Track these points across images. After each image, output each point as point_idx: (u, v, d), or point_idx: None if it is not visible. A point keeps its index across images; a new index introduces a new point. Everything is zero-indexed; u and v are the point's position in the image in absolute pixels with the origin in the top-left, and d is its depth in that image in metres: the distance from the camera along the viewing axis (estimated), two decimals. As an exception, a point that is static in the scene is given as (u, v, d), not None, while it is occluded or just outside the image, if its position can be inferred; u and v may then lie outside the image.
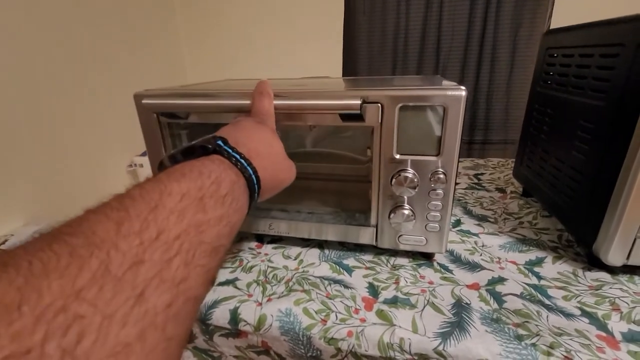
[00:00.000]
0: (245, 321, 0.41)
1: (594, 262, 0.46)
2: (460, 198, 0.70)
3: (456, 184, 0.78)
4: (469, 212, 0.64)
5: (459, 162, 0.44)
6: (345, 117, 0.43)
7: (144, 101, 0.46)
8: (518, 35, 1.97)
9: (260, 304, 0.43)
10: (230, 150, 0.29)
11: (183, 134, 0.55)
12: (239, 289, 0.46)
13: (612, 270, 0.45)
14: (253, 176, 0.29)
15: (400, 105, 0.42)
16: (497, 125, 2.03)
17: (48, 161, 0.96)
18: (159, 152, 0.53)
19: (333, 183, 0.73)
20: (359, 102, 0.39)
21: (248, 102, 0.42)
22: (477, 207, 0.66)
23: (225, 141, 0.30)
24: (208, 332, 0.43)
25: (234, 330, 0.42)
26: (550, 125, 0.57)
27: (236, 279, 0.48)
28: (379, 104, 0.42)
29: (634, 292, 0.41)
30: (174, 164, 0.26)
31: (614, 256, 0.42)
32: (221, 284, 0.47)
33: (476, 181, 0.78)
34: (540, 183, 0.59)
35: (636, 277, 0.44)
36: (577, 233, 0.51)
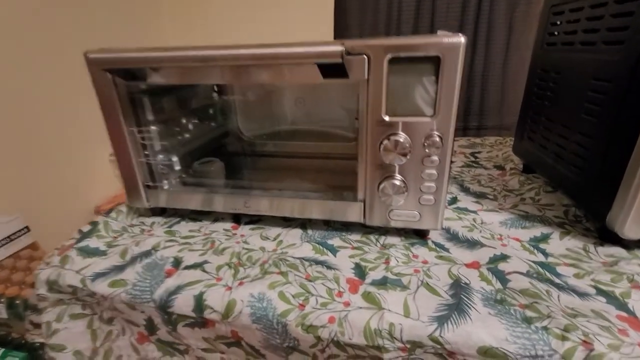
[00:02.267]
0: (211, 308, 0.35)
1: (607, 237, 0.41)
2: (457, 176, 0.65)
3: (451, 162, 0.73)
4: (466, 190, 0.59)
5: (456, 127, 0.38)
6: (326, 71, 0.37)
7: (90, 55, 0.39)
8: (513, 17, 1.92)
9: (230, 288, 0.37)
10: None
11: (146, 101, 0.49)
12: (207, 272, 0.40)
13: (627, 245, 0.40)
14: None
15: (389, 56, 0.36)
16: (492, 111, 1.99)
17: (25, 151, 0.89)
18: (118, 122, 0.46)
19: (321, 161, 0.67)
20: (340, 48, 0.33)
21: (212, 52, 0.36)
22: (475, 184, 0.61)
23: None
24: (171, 322, 0.38)
25: (199, 318, 0.36)
26: (555, 90, 0.52)
27: (205, 262, 0.42)
28: (365, 56, 0.36)
29: (654, 268, 0.36)
30: None
31: (632, 228, 0.37)
32: (187, 267, 0.41)
33: (473, 159, 0.73)
34: (544, 156, 0.54)
35: (655, 252, 0.39)
36: (587, 206, 0.46)
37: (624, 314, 0.31)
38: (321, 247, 0.44)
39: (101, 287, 0.39)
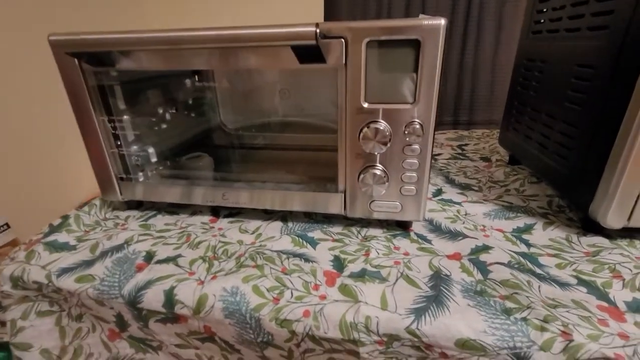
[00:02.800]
0: (182, 303, 0.34)
1: (590, 227, 0.40)
2: (443, 168, 0.64)
3: (438, 154, 0.72)
4: (451, 182, 0.58)
5: (437, 113, 0.37)
6: (301, 54, 0.36)
7: (52, 37, 0.37)
8: (503, 11, 1.92)
9: (202, 282, 0.35)
10: None
11: (117, 88, 0.47)
12: (179, 266, 0.38)
13: (609, 235, 0.40)
14: None
15: (367, 40, 0.35)
16: (482, 106, 1.99)
17: (2, 147, 0.85)
18: (87, 111, 0.44)
19: (305, 153, 0.66)
20: (313, 29, 0.32)
21: (179, 33, 0.34)
22: (460, 176, 0.60)
23: None
24: (142, 317, 0.36)
25: (170, 314, 0.35)
26: (540, 80, 0.51)
27: (179, 255, 0.40)
28: (342, 39, 0.35)
29: (636, 257, 0.36)
30: None
31: (614, 218, 0.36)
32: (159, 262, 0.39)
33: (460, 151, 0.72)
34: (529, 146, 0.53)
35: (637, 241, 0.38)
36: (570, 196, 0.45)
37: (605, 304, 0.30)
38: (301, 240, 0.43)
39: (67, 282, 0.37)
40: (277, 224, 0.47)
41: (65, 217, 0.49)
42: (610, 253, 0.37)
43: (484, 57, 2.08)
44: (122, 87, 0.47)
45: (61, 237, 0.45)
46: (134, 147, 0.50)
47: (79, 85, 0.43)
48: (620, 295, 0.31)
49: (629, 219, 0.36)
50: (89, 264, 0.39)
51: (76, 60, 0.41)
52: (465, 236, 0.41)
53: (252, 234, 0.45)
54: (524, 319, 0.29)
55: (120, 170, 0.48)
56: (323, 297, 0.33)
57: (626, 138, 0.33)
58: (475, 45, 2.05)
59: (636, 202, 0.35)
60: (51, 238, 0.44)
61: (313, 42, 0.32)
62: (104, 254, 0.41)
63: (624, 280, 0.33)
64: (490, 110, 2.11)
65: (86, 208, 0.51)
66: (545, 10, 0.51)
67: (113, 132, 0.46)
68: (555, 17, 0.47)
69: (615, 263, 0.35)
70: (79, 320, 0.40)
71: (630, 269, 0.34)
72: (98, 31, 0.38)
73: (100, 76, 0.44)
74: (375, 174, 0.39)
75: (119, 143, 0.47)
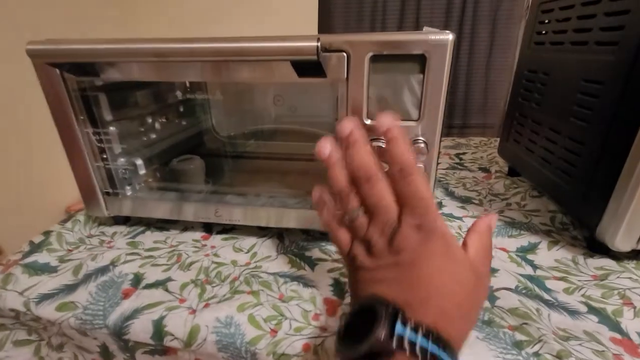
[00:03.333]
0: (172, 335, 0.32)
1: (596, 248, 0.39)
2: (441, 179, 0.63)
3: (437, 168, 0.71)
4: (451, 194, 0.57)
5: (442, 130, 0.36)
6: (301, 69, 0.33)
7: (29, 47, 0.34)
8: (497, 16, 1.92)
9: (194, 311, 0.33)
10: (416, 340, 0.20)
11: (102, 98, 0.44)
12: (169, 292, 0.36)
13: (616, 256, 0.39)
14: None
15: (370, 54, 0.33)
16: (476, 109, 1.99)
17: None
18: (69, 123, 0.41)
19: (301, 163, 0.64)
20: (314, 44, 0.30)
21: (170, 45, 0.32)
22: (460, 188, 0.59)
23: (402, 316, 0.20)
24: (128, 349, 0.34)
25: (159, 346, 0.32)
26: (542, 92, 0.50)
27: (169, 279, 0.38)
28: (344, 53, 0.33)
29: (644, 282, 0.35)
30: None
31: (623, 241, 0.35)
32: (148, 286, 0.37)
33: (458, 161, 0.71)
34: (531, 159, 0.52)
35: (644, 264, 0.37)
36: (575, 214, 0.44)
37: (618, 336, 0.29)
38: (298, 261, 0.41)
39: (47, 311, 0.34)
40: (273, 242, 0.45)
41: (47, 234, 0.46)
42: (618, 277, 0.36)
43: (477, 63, 2.09)
44: (108, 97, 0.44)
45: (42, 257, 0.42)
46: (121, 160, 0.47)
47: (61, 96, 0.40)
48: (632, 325, 0.30)
49: (638, 241, 0.35)
50: (71, 288, 0.37)
51: (57, 70, 0.38)
52: (469, 257, 0.40)
53: (246, 252, 0.43)
54: (537, 354, 0.27)
55: (106, 185, 0.45)
56: (324, 329, 0.31)
57: (638, 159, 0.32)
58: (469, 50, 2.06)
59: (646, 225, 0.34)
60: (31, 259, 0.41)
61: (314, 57, 0.30)
62: (87, 277, 0.38)
63: (634, 308, 0.32)
64: (484, 114, 2.12)
65: (69, 224, 0.48)
66: (548, 21, 0.50)
67: (98, 144, 0.43)
68: (560, 29, 0.46)
69: (625, 288, 0.34)
70: (59, 350, 0.37)
71: (640, 295, 0.33)
72: (77, 39, 0.36)
73: (84, 85, 0.41)
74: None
75: (104, 156, 0.44)
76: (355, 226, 0.27)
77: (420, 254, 0.24)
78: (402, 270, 0.24)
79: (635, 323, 0.30)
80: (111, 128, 0.45)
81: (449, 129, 2.18)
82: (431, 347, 0.19)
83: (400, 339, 0.20)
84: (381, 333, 0.20)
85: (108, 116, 0.45)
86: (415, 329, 0.20)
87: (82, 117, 0.41)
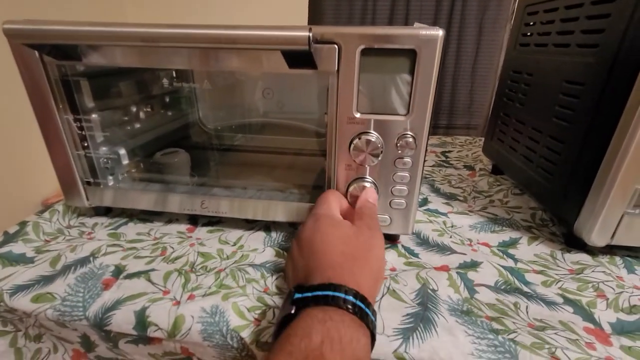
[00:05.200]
0: (155, 325, 0.31)
1: (573, 243, 0.41)
2: (427, 175, 0.64)
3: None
4: (436, 190, 0.58)
5: (430, 125, 0.36)
6: (291, 59, 0.33)
7: (6, 26, 0.33)
8: (484, 18, 1.96)
9: (178, 302, 0.33)
10: (309, 294, 0.25)
11: (84, 84, 0.42)
12: (153, 283, 0.35)
13: (591, 252, 0.40)
14: (344, 296, 0.24)
15: (362, 47, 0.33)
16: (461, 110, 2.04)
17: None
18: (49, 108, 0.40)
19: (289, 157, 0.63)
20: (306, 33, 0.29)
21: (157, 30, 0.31)
22: (445, 185, 0.60)
23: (299, 288, 0.26)
24: (110, 339, 0.33)
25: (142, 336, 0.32)
26: (526, 92, 0.51)
27: (152, 269, 0.37)
28: (336, 45, 0.33)
29: (617, 276, 0.36)
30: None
31: (598, 236, 0.37)
32: (129, 276, 0.36)
33: (443, 158, 0.72)
34: (513, 158, 0.54)
35: (617, 258, 0.39)
36: (555, 211, 0.46)
37: (591, 326, 0.30)
38: (284, 253, 0.41)
39: (22, 302, 0.33)
40: (260, 235, 0.45)
41: (23, 224, 0.44)
42: (593, 271, 0.37)
43: (464, 64, 2.13)
44: (90, 83, 0.43)
45: (17, 247, 0.40)
46: (103, 149, 0.46)
47: (40, 80, 0.38)
48: (604, 315, 0.31)
49: (612, 237, 0.36)
50: (48, 280, 0.35)
51: (36, 52, 0.37)
52: (453, 251, 0.41)
53: (233, 245, 0.42)
54: (513, 340, 0.28)
55: (86, 174, 0.44)
56: (310, 320, 0.31)
57: (614, 159, 0.34)
58: (457, 52, 2.10)
59: (620, 220, 0.35)
60: (4, 249, 0.40)
61: (305, 47, 0.30)
62: (66, 269, 0.37)
63: (607, 300, 0.33)
64: (469, 115, 2.17)
65: (47, 214, 0.47)
66: (533, 23, 0.51)
67: (79, 132, 0.42)
68: (544, 31, 0.48)
69: (599, 282, 0.35)
70: (37, 341, 0.36)
71: (613, 288, 0.35)
72: (63, 21, 0.34)
73: (65, 70, 0.40)
74: (364, 187, 0.38)
75: (85, 144, 0.43)
76: None
77: (312, 232, 0.32)
78: (304, 253, 0.30)
79: (608, 314, 0.32)
80: (93, 115, 0.43)
81: (434, 129, 2.21)
82: (319, 292, 0.24)
83: (298, 300, 0.24)
84: (284, 308, 0.25)
85: (90, 103, 0.43)
86: (308, 290, 0.25)
87: (62, 103, 0.40)
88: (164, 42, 0.31)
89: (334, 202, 0.37)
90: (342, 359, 0.20)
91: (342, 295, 0.23)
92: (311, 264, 0.29)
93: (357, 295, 0.24)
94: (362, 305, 0.24)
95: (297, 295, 0.24)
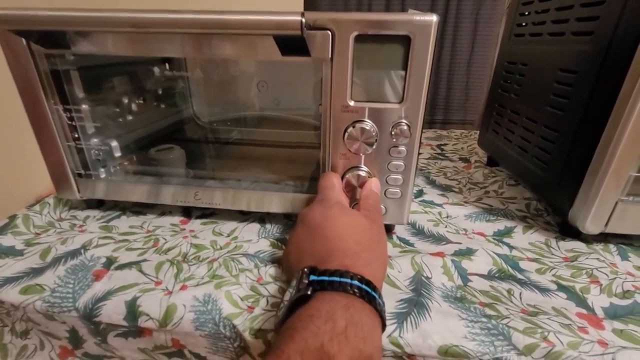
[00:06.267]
0: (147, 315, 0.31)
1: (567, 231, 0.41)
2: (423, 168, 0.64)
3: (418, 154, 0.72)
4: (432, 182, 0.58)
5: (425, 113, 0.36)
6: (284, 46, 0.33)
7: (-9, 11, 0.32)
8: (479, 15, 1.96)
9: (170, 292, 0.32)
10: (327, 278, 0.24)
11: (74, 74, 0.42)
12: (144, 274, 0.35)
13: (585, 240, 0.40)
14: (367, 288, 0.24)
15: (355, 34, 0.32)
16: (457, 105, 2.04)
17: None
18: (37, 98, 0.39)
19: (284, 150, 0.63)
20: (298, 18, 0.29)
21: (151, 15, 0.30)
22: (441, 177, 0.60)
23: (314, 270, 0.26)
24: (99, 332, 0.32)
25: (133, 327, 0.31)
26: (521, 82, 0.51)
27: (144, 260, 0.37)
28: (329, 31, 0.32)
29: (610, 263, 0.37)
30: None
31: (592, 224, 0.37)
32: (120, 267, 0.35)
33: (439, 151, 0.72)
34: (509, 149, 0.54)
35: (611, 246, 0.39)
36: (549, 201, 0.46)
37: (584, 311, 0.30)
38: (280, 244, 0.40)
39: (11, 294, 0.32)
40: (255, 226, 0.44)
41: (12, 218, 0.44)
42: (587, 258, 0.37)
43: (460, 59, 2.13)
44: (80, 73, 0.42)
45: (6, 240, 0.40)
46: (95, 140, 0.45)
47: (28, 69, 0.37)
48: (597, 301, 0.31)
49: (606, 225, 0.36)
50: (37, 272, 0.35)
51: (24, 40, 0.36)
52: (449, 241, 0.41)
53: (227, 236, 0.42)
54: (505, 324, 0.28)
55: (77, 166, 0.43)
56: (304, 308, 0.31)
57: (608, 147, 0.33)
58: (452, 47, 2.10)
59: (614, 208, 0.36)
60: (-7, 242, 0.39)
61: (298, 32, 0.29)
62: (56, 261, 0.36)
63: (601, 285, 0.33)
64: (465, 110, 2.17)
65: (37, 207, 0.46)
66: (528, 13, 0.51)
67: (69, 122, 0.41)
68: (539, 20, 0.47)
69: (593, 268, 0.36)
70: (24, 337, 0.35)
71: (606, 274, 0.35)
72: (52, 7, 0.33)
73: (54, 59, 0.39)
74: (360, 176, 0.37)
75: (76, 135, 0.42)
76: None
77: (324, 218, 0.32)
78: (315, 238, 0.30)
79: (601, 299, 0.32)
80: (84, 106, 0.43)
81: (430, 124, 2.22)
82: (342, 279, 0.24)
83: (315, 282, 0.24)
84: (299, 287, 0.24)
85: (80, 93, 0.43)
86: (326, 274, 0.25)
87: (51, 93, 0.39)
88: (154, 27, 0.31)
89: (339, 187, 0.37)
90: (365, 345, 0.21)
91: (365, 286, 0.24)
92: (325, 248, 0.28)
93: (375, 289, 0.25)
94: (377, 297, 0.25)
95: (314, 278, 0.25)
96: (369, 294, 0.24)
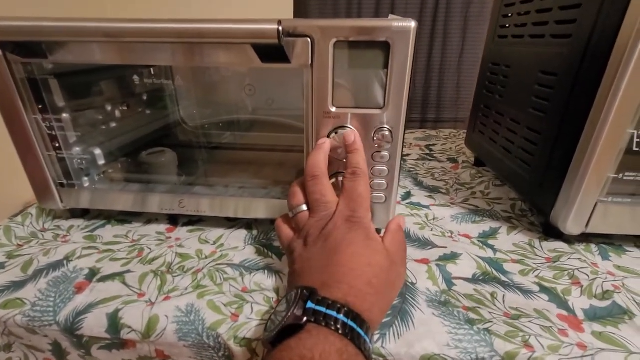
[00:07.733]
0: (129, 327, 0.30)
1: (550, 232, 0.41)
2: (411, 169, 0.64)
3: (407, 155, 0.72)
4: (419, 184, 0.58)
5: (407, 117, 0.36)
6: (263, 53, 0.33)
7: (-38, 22, 0.31)
8: (469, 13, 1.97)
9: (153, 303, 0.32)
10: (325, 311, 0.23)
11: (53, 83, 0.41)
12: (128, 286, 0.34)
13: (568, 240, 0.41)
14: (361, 333, 0.23)
15: (334, 40, 0.32)
16: (449, 104, 2.05)
17: None
18: (15, 108, 0.38)
19: (271, 154, 0.63)
20: (274, 26, 0.29)
21: (128, 25, 0.30)
22: (429, 178, 0.60)
23: (313, 295, 0.24)
24: (82, 345, 0.32)
25: (116, 339, 0.31)
26: (505, 84, 0.52)
27: (128, 271, 0.36)
28: (309, 38, 0.32)
29: (591, 263, 0.37)
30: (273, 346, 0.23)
31: (573, 225, 0.37)
32: (103, 279, 0.35)
33: (428, 152, 0.73)
34: (494, 149, 0.54)
35: (592, 246, 0.40)
36: (533, 201, 0.46)
37: (564, 313, 0.31)
38: (266, 250, 0.40)
39: (-10, 309, 0.32)
40: (241, 233, 0.44)
41: (-6, 229, 0.43)
42: (569, 258, 0.38)
43: (450, 58, 2.14)
44: (59, 81, 0.41)
45: (-13, 253, 0.39)
46: (77, 149, 0.44)
47: (5, 78, 0.37)
48: (578, 302, 0.32)
49: (587, 225, 0.37)
50: (18, 285, 0.34)
51: (1, 52, 0.35)
52: (434, 245, 0.41)
53: (213, 244, 0.42)
54: (487, 330, 0.28)
55: (59, 175, 0.43)
56: (287, 316, 0.31)
57: (586, 148, 0.34)
58: (442, 46, 2.10)
59: (594, 209, 0.36)
60: (-27, 255, 0.38)
61: (275, 41, 0.29)
62: (38, 273, 0.36)
63: (582, 287, 0.34)
64: (456, 109, 2.18)
65: (19, 218, 0.45)
66: (510, 15, 0.51)
67: (49, 132, 0.41)
68: (520, 22, 0.48)
69: (574, 269, 0.36)
70: (7, 350, 0.35)
71: (587, 275, 0.35)
72: (27, 17, 0.33)
73: (31, 67, 0.38)
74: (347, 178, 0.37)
75: (57, 145, 0.42)
76: (297, 219, 0.33)
77: (343, 241, 0.28)
78: (327, 255, 0.28)
79: (581, 300, 0.32)
80: (64, 114, 0.42)
81: (422, 123, 2.23)
82: (339, 317, 0.23)
83: (310, 312, 0.23)
84: (294, 311, 0.23)
85: (60, 102, 0.42)
86: (324, 304, 0.23)
87: (29, 103, 0.38)
88: (128, 37, 0.30)
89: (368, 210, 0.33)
90: None
91: (361, 332, 0.23)
92: (334, 274, 0.26)
93: (369, 332, 0.24)
94: (369, 341, 0.24)
95: (311, 305, 0.23)
96: (360, 338, 0.23)
